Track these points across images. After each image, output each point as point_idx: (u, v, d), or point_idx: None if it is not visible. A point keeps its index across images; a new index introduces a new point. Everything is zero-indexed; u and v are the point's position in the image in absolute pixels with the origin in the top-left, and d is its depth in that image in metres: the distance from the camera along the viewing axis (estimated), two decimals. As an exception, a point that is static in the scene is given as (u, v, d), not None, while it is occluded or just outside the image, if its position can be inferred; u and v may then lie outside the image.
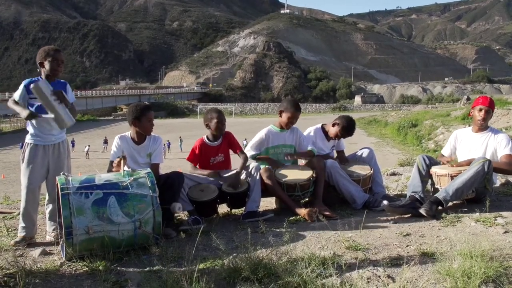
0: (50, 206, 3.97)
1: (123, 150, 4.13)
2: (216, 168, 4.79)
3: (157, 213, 3.45)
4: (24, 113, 3.67)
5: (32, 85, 3.60)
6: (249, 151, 4.93)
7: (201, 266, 2.96)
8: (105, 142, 37.58)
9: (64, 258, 3.30)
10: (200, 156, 4.76)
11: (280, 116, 4.90)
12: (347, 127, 5.04)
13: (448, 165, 4.52)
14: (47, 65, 3.82)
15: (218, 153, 4.80)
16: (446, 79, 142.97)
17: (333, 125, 5.14)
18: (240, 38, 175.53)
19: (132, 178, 3.51)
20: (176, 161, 27.19)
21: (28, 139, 3.89)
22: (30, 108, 3.77)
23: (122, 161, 3.82)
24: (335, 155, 5.38)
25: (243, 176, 4.63)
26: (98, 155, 35.21)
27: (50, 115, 3.63)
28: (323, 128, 5.25)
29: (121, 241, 3.32)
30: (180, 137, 39.53)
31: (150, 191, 3.48)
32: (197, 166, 4.81)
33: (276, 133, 4.95)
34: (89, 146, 35.60)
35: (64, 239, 3.23)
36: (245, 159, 4.72)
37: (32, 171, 3.82)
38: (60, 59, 3.88)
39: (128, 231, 3.33)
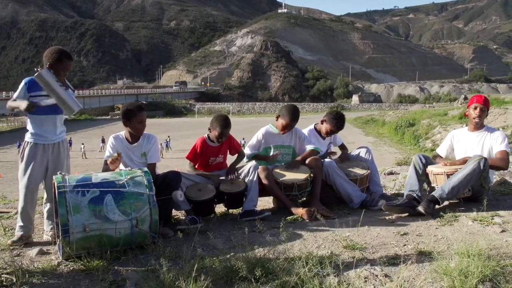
0: (48, 205, 3.95)
1: (118, 149, 4.15)
2: (214, 168, 4.80)
3: (154, 211, 3.45)
4: (23, 104, 3.60)
5: (35, 74, 3.56)
6: (247, 151, 4.94)
7: (199, 265, 2.95)
8: (103, 141, 37.53)
9: (61, 257, 3.30)
10: (200, 155, 4.76)
11: (276, 120, 4.88)
12: (335, 121, 5.03)
13: (443, 163, 4.54)
14: (55, 70, 3.73)
15: (218, 154, 4.80)
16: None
17: (322, 122, 5.16)
18: (237, 38, 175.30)
19: (128, 177, 3.52)
20: (174, 160, 27.16)
21: (27, 138, 3.84)
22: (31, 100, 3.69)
23: (118, 158, 3.85)
24: (333, 149, 5.39)
25: (241, 176, 4.64)
26: (96, 154, 35.10)
27: (51, 101, 3.61)
28: (315, 128, 5.26)
29: (118, 240, 3.31)
30: (168, 136, 39.29)
31: (147, 190, 3.48)
32: (196, 166, 4.81)
33: (274, 134, 4.93)
34: (83, 144, 35.39)
35: (61, 237, 3.22)
36: (243, 156, 4.88)
37: (31, 171, 3.79)
38: (69, 68, 3.87)
39: (125, 229, 3.33)
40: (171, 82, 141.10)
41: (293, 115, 4.75)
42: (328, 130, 5.09)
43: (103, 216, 3.26)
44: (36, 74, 3.58)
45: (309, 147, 4.89)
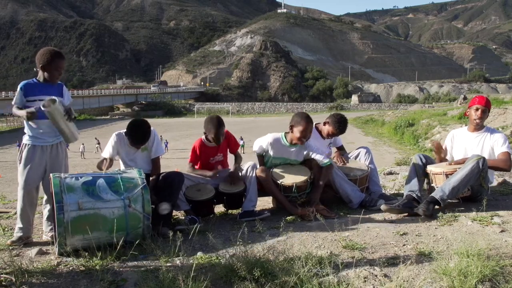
0: (48, 206, 3.96)
1: (118, 148, 4.19)
2: (216, 166, 4.78)
3: (145, 191, 3.56)
4: (24, 115, 3.68)
5: (45, 109, 3.61)
6: (254, 148, 4.92)
7: (198, 265, 2.95)
8: (98, 143, 37.46)
9: (57, 252, 3.31)
10: (200, 157, 4.75)
11: (292, 131, 4.57)
12: (338, 125, 5.00)
13: (445, 163, 4.53)
14: (48, 71, 3.80)
15: (217, 153, 4.78)
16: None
17: (324, 124, 5.13)
18: (237, 38, 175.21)
19: (120, 171, 3.76)
20: (174, 160, 27.15)
21: (26, 140, 3.88)
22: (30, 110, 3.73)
23: (108, 163, 4.03)
24: (332, 151, 5.38)
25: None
26: (95, 154, 35.09)
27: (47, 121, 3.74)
28: (316, 128, 5.23)
29: (113, 222, 3.36)
30: (160, 136, 39.04)
31: (137, 175, 3.67)
32: (196, 167, 4.80)
33: (283, 146, 4.72)
34: (82, 144, 35.32)
35: (56, 216, 3.29)
36: (241, 159, 4.81)
37: (29, 172, 3.82)
38: (63, 67, 3.89)
39: (118, 209, 3.42)
40: (171, 82, 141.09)
41: (308, 118, 4.50)
42: (330, 133, 5.06)
43: (96, 195, 3.41)
44: (47, 110, 3.63)
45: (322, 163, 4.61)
